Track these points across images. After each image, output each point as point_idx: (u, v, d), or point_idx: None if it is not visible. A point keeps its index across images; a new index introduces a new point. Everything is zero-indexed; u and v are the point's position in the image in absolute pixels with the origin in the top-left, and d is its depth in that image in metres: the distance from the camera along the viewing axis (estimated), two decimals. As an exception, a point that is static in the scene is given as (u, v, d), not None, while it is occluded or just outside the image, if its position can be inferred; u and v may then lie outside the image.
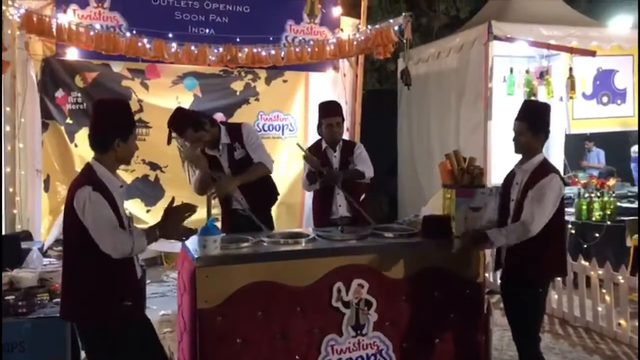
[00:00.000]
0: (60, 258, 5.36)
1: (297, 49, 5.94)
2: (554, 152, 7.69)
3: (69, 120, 6.37)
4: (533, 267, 3.15)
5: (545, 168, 3.20)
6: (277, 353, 3.17)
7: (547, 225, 3.07)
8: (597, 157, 9.23)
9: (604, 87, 6.72)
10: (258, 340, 3.15)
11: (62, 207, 6.25)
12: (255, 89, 7.00)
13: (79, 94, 6.36)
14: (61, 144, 6.36)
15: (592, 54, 5.88)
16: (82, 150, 6.43)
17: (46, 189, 6.30)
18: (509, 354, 4.31)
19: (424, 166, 7.51)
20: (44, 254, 5.01)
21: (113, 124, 2.72)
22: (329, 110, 4.37)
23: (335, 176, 4.17)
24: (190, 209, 2.84)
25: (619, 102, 6.79)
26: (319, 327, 3.27)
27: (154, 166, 6.73)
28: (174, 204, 2.83)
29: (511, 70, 6.69)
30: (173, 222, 2.79)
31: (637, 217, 6.31)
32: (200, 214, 6.50)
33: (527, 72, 6.65)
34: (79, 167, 6.41)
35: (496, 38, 6.22)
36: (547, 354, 4.01)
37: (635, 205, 6.64)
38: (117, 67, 6.44)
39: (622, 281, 4.65)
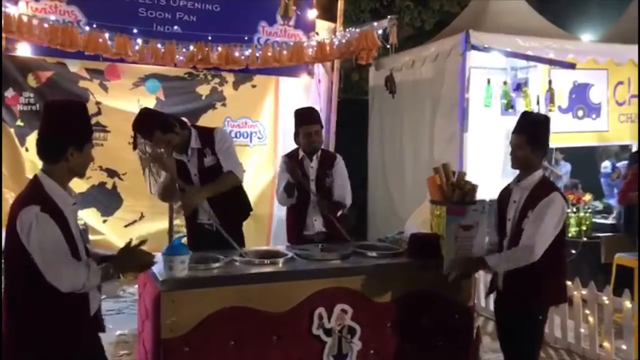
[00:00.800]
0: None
1: (276, 50, 5.58)
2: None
3: (19, 123, 5.90)
4: (534, 293, 2.90)
5: (547, 186, 2.97)
6: (251, 388, 2.85)
7: (548, 248, 2.83)
8: (564, 170, 9.20)
9: (580, 100, 6.60)
10: (229, 373, 2.82)
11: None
12: (222, 93, 6.64)
13: (32, 95, 5.90)
14: (10, 148, 5.86)
15: (572, 66, 5.75)
16: (33, 154, 5.83)
17: (-7, 196, 5.79)
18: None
19: (396, 178, 7.28)
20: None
21: (66, 129, 2.33)
22: (307, 118, 4.08)
23: (324, 208, 3.92)
24: (148, 258, 2.50)
25: (593, 116, 6.70)
26: (298, 358, 2.96)
27: (111, 173, 6.29)
28: (131, 245, 2.49)
29: (488, 82, 6.53)
30: (129, 262, 2.46)
31: (611, 234, 6.26)
32: (161, 225, 6.24)
33: (505, 83, 6.49)
34: (30, 173, 5.95)
35: (474, 48, 6.04)
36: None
37: (608, 221, 6.58)
38: (74, 66, 6.00)
39: (607, 302, 4.48)
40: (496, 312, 3.20)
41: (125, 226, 6.33)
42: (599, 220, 6.57)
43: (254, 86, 6.69)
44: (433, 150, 6.58)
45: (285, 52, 5.56)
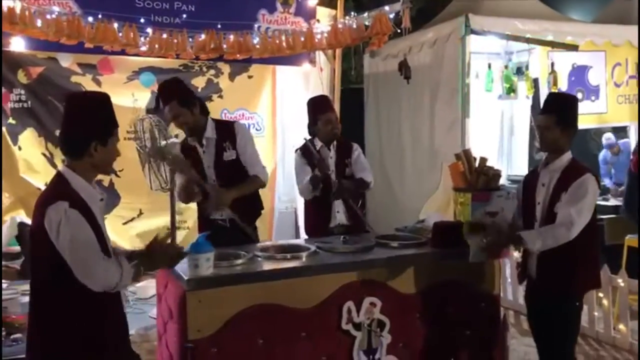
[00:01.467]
0: (8, 277, 4.78)
1: (289, 37, 5.41)
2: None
3: (11, 121, 5.70)
4: (570, 278, 2.82)
5: (578, 167, 2.89)
6: (282, 387, 2.76)
7: (583, 231, 2.76)
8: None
9: (579, 83, 6.58)
10: (259, 373, 2.72)
11: (5, 218, 5.66)
12: (218, 85, 6.49)
13: (23, 91, 5.71)
14: (3, 147, 5.68)
15: (575, 48, 5.71)
16: (26, 153, 5.81)
17: (-14, 197, 5.61)
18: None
19: (396, 167, 7.20)
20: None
21: (89, 123, 2.21)
22: (325, 105, 3.96)
23: (346, 189, 3.77)
24: (179, 251, 2.41)
25: (592, 98, 6.68)
26: (328, 354, 2.88)
27: (108, 170, 6.12)
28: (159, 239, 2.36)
29: (489, 66, 6.46)
30: (160, 257, 2.33)
31: (614, 216, 6.24)
32: (161, 221, 6.10)
33: (506, 67, 6.44)
34: (23, 173, 5.78)
35: (473, 32, 5.97)
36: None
37: (611, 203, 6.57)
38: (65, 61, 5.81)
39: (622, 284, 4.46)
40: (528, 301, 3.11)
41: (124, 223, 6.19)
42: (599, 202, 6.54)
43: (250, 77, 6.55)
44: (434, 137, 6.51)
45: (301, 38, 5.38)
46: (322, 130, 3.87)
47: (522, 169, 7.75)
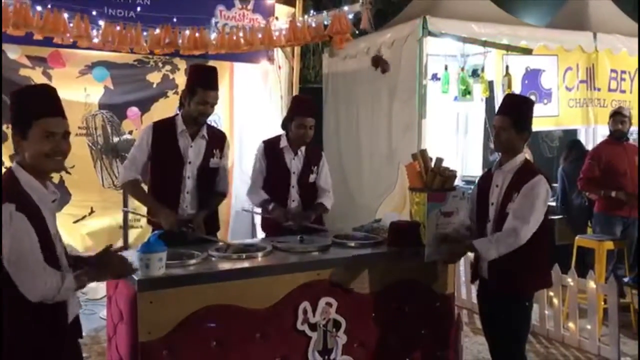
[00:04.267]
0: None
1: (247, 33, 5.33)
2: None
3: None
4: (521, 278, 2.88)
5: (530, 169, 2.95)
6: (236, 390, 2.71)
7: (534, 232, 2.81)
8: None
9: (532, 86, 6.70)
10: (212, 375, 2.67)
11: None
12: (174, 81, 6.35)
13: (-33, 85, 5.47)
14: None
15: (529, 52, 5.82)
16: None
17: None
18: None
19: (353, 168, 7.19)
20: None
21: (11, 117, 2.12)
22: (306, 109, 3.83)
23: (305, 217, 3.74)
24: (128, 267, 2.32)
25: (545, 101, 6.81)
26: (283, 355, 2.85)
27: (58, 167, 5.92)
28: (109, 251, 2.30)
29: (446, 68, 6.53)
30: (106, 270, 2.26)
31: (560, 217, 6.40)
32: (113, 220, 5.95)
33: (462, 69, 6.52)
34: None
35: (430, 34, 6.02)
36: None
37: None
38: (13, 53, 5.59)
39: (571, 284, 4.57)
40: (480, 300, 3.16)
41: (75, 222, 5.99)
42: (550, 203, 6.68)
43: (207, 74, 6.45)
44: (391, 137, 6.53)
45: (259, 34, 5.30)
46: (293, 131, 3.79)
47: (476, 169, 7.89)
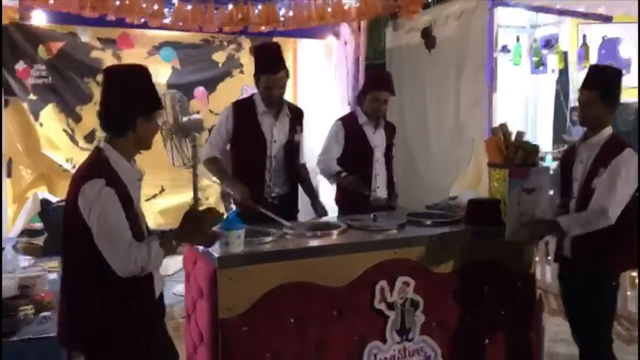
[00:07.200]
0: (32, 253, 4.77)
1: (318, 7, 5.24)
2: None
3: (32, 97, 5.68)
4: (608, 258, 2.73)
5: (619, 142, 2.77)
6: (314, 367, 2.69)
7: (623, 209, 2.65)
8: (582, 130, 8.98)
9: (609, 56, 6.35)
10: (290, 353, 2.66)
11: (28, 194, 5.65)
12: (238, 60, 6.40)
13: (43, 67, 5.67)
14: (24, 124, 5.66)
15: (609, 19, 5.50)
16: (48, 129, 5.78)
17: (9, 174, 5.60)
18: (562, 352, 3.90)
19: (420, 145, 7.03)
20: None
21: (134, 97, 2.10)
22: (381, 82, 3.75)
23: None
24: (217, 218, 2.23)
25: (623, 72, 6.46)
26: (360, 334, 2.81)
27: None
28: (197, 210, 2.29)
29: (517, 39, 6.27)
30: (196, 230, 2.16)
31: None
32: (183, 198, 6.05)
33: (535, 40, 6.24)
34: (46, 149, 5.75)
35: (501, 3, 5.78)
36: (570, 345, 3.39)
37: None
38: (85, 36, 5.75)
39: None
40: (562, 282, 3.02)
41: (146, 200, 6.14)
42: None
43: (271, 51, 6.43)
44: (459, 114, 6.35)
45: (329, 9, 5.22)
46: (367, 105, 3.74)
47: (546, 144, 7.59)
